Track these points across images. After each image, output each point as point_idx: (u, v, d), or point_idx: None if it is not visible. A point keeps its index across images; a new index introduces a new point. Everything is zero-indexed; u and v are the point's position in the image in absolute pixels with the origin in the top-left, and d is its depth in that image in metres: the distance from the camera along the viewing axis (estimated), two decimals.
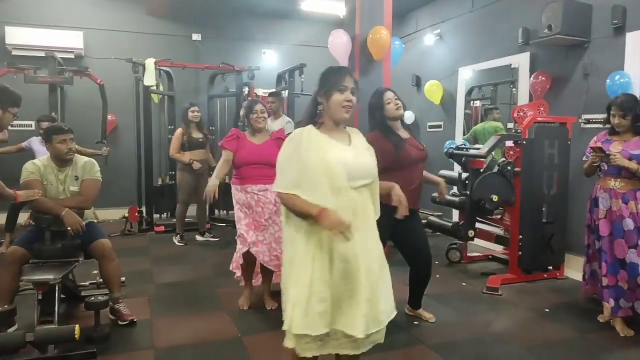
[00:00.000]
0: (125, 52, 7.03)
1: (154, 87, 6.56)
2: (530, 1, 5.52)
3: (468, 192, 4.63)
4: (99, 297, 3.30)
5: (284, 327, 2.05)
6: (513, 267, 4.61)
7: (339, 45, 4.34)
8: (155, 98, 7.03)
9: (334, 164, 1.98)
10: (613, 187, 3.51)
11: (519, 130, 4.56)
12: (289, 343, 2.06)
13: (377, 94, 3.33)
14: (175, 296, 4.19)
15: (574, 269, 4.67)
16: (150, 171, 6.69)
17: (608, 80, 4.45)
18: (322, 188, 1.97)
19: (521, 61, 5.72)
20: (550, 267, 4.73)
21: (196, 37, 7.88)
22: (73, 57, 7.15)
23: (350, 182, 2.02)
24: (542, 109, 4.60)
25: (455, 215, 6.11)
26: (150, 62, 6.44)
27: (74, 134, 3.58)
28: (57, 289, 3.18)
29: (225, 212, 7.32)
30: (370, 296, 2.03)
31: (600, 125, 4.63)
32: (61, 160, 3.51)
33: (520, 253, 4.53)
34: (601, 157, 3.47)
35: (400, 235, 3.36)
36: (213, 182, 3.80)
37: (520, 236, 4.51)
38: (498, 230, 5.25)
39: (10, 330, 3.21)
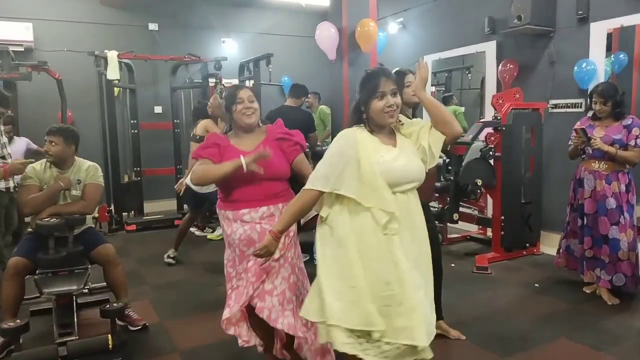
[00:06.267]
0: (79, 44, 6.75)
1: (117, 81, 6.32)
2: None
3: (452, 178, 4.84)
4: (114, 305, 3.21)
5: (317, 319, 2.02)
6: (496, 246, 4.89)
7: (327, 37, 4.37)
8: (115, 91, 6.76)
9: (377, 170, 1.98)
10: (597, 169, 3.79)
11: (498, 117, 4.80)
12: (324, 337, 2.01)
13: (398, 73, 2.87)
14: (177, 297, 4.14)
15: (548, 245, 5.01)
16: (117, 168, 6.46)
17: (575, 68, 4.78)
18: (379, 188, 1.97)
19: (487, 50, 5.97)
20: (528, 245, 5.05)
21: (153, 26, 7.60)
22: (23, 50, 6.72)
23: (396, 187, 2.01)
24: (517, 96, 4.85)
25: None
26: (112, 55, 6.19)
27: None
28: (74, 299, 3.11)
29: None
30: (417, 304, 1.98)
31: (568, 110, 4.99)
32: (56, 164, 3.38)
33: (502, 233, 4.81)
34: (584, 141, 3.75)
35: None
36: None
37: (502, 217, 4.79)
38: (472, 212, 5.54)
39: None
